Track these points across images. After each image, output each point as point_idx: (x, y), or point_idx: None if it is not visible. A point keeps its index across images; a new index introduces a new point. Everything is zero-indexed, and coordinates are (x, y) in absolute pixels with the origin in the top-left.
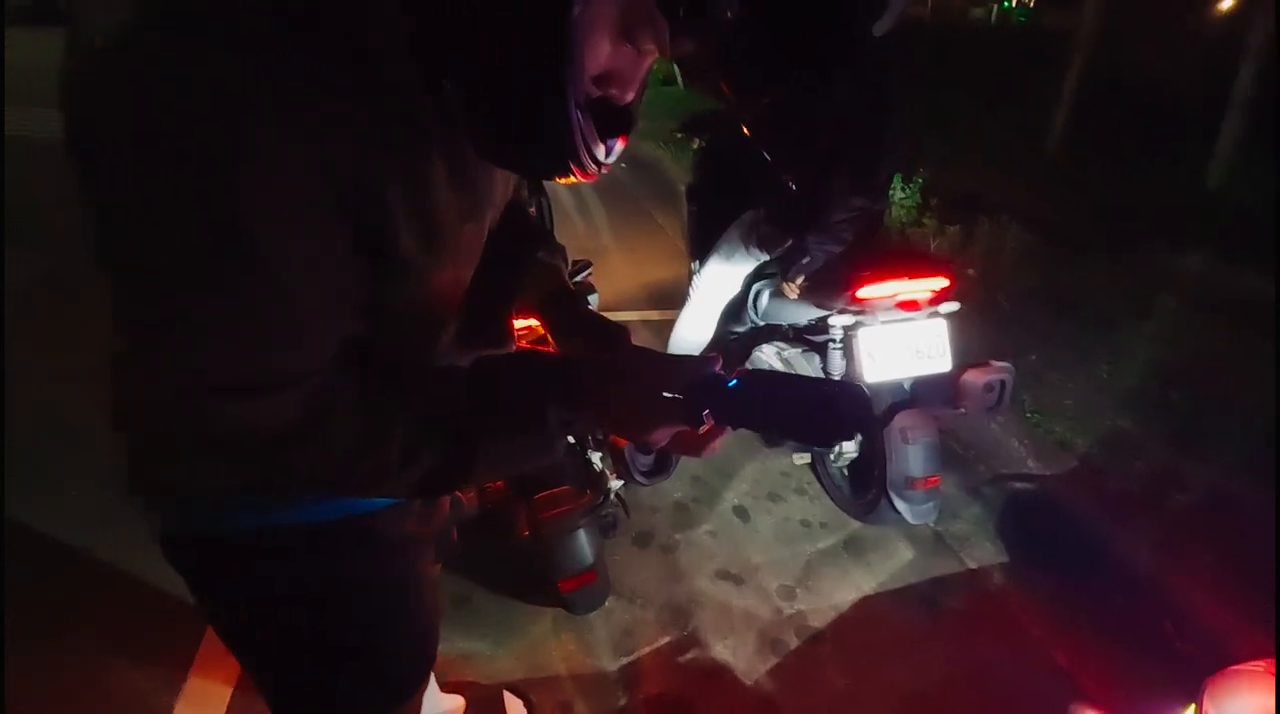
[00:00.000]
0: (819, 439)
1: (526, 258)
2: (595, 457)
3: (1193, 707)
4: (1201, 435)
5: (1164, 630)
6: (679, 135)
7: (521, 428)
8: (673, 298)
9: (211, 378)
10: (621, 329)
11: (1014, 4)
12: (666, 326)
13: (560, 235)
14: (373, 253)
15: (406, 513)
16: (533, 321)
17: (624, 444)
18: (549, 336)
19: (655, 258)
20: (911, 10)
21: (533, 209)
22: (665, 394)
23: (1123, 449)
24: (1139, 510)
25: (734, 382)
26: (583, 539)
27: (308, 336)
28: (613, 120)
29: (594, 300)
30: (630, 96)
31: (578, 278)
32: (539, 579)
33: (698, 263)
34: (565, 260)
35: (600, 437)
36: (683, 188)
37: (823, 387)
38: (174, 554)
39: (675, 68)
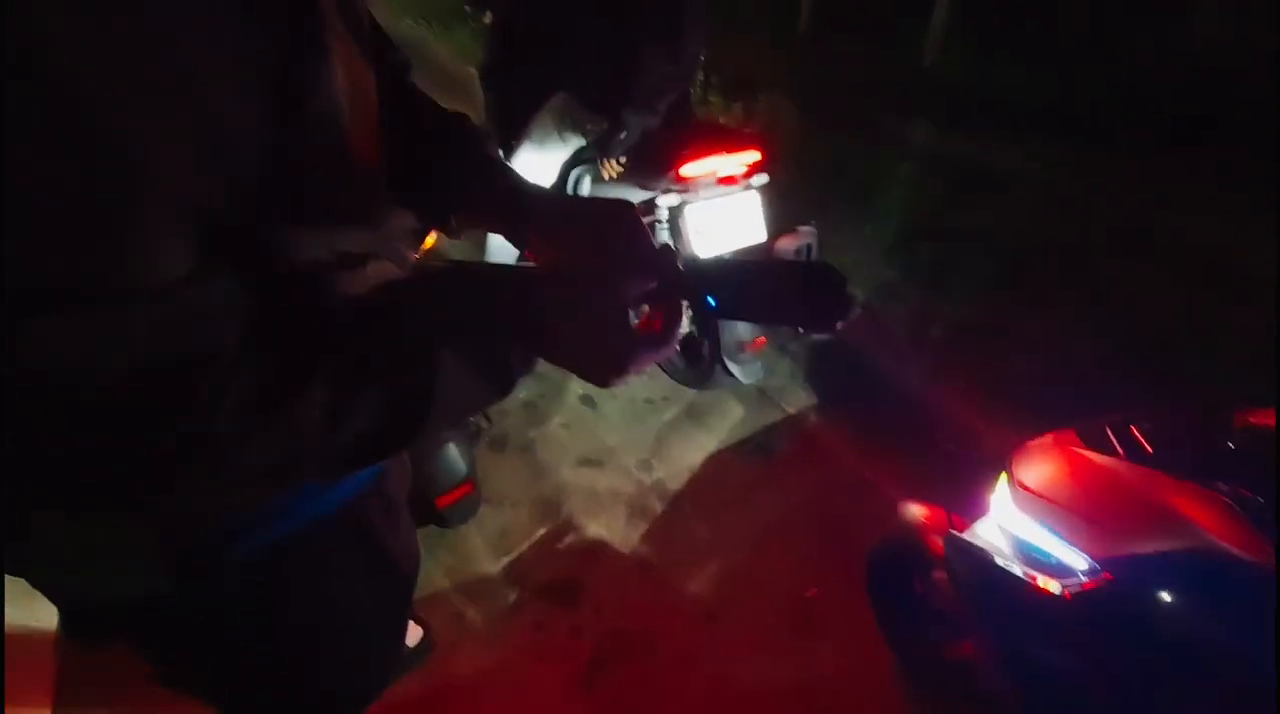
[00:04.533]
0: (814, 324)
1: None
2: None
3: (1004, 474)
4: (944, 275)
5: (933, 436)
6: (467, 9)
7: (483, 362)
8: None
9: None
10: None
11: None
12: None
13: None
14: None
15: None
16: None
17: None
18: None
19: None
20: None
21: None
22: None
23: (890, 294)
24: (907, 342)
25: (717, 268)
26: (454, 451)
27: (187, 190)
28: None
29: None
30: None
31: None
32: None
33: (503, 152)
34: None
35: None
36: (473, 70)
37: (798, 268)
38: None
39: None
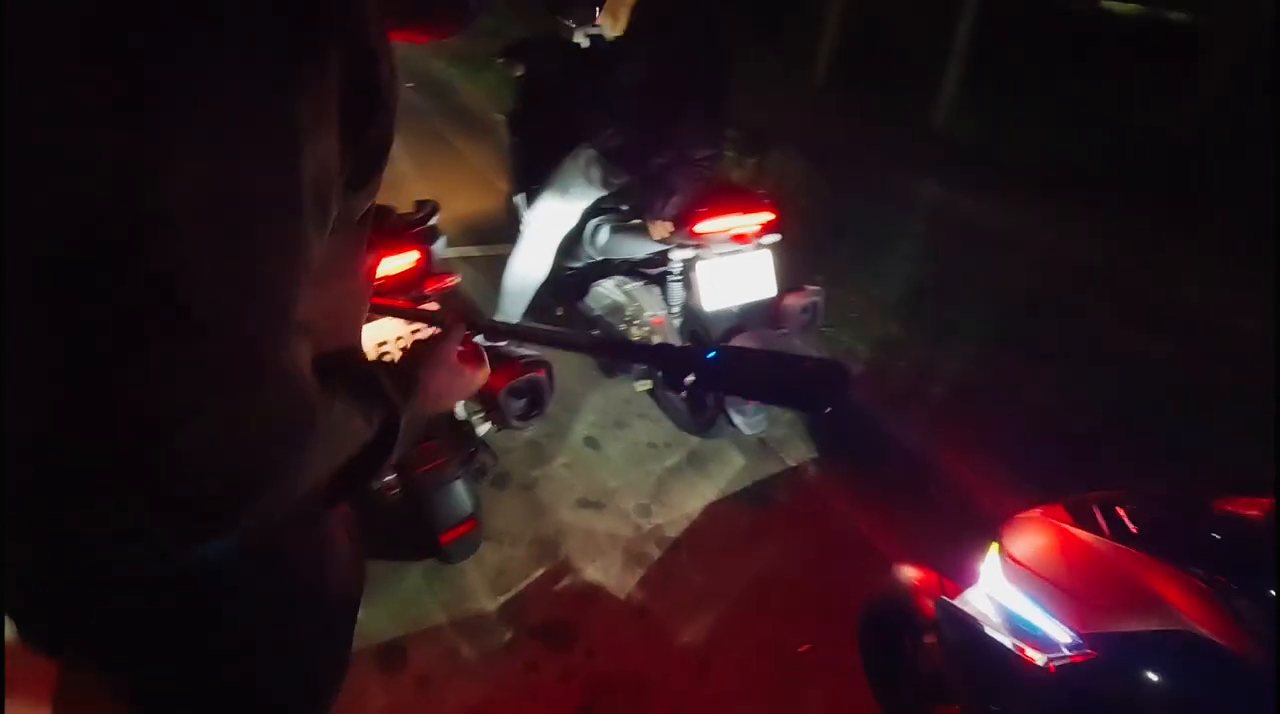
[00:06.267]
0: (806, 407)
1: None
2: (459, 407)
3: (994, 545)
4: (947, 334)
5: (930, 494)
6: (500, 61)
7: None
8: (491, 233)
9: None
10: None
11: None
12: (489, 263)
13: None
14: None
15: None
16: None
17: (498, 390)
18: None
19: (462, 189)
20: None
21: None
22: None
23: (893, 351)
24: (908, 400)
25: (712, 354)
26: (460, 489)
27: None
28: None
29: (443, 245)
30: None
31: (430, 223)
32: (402, 537)
33: (524, 197)
34: None
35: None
36: (500, 115)
37: (804, 361)
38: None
39: None
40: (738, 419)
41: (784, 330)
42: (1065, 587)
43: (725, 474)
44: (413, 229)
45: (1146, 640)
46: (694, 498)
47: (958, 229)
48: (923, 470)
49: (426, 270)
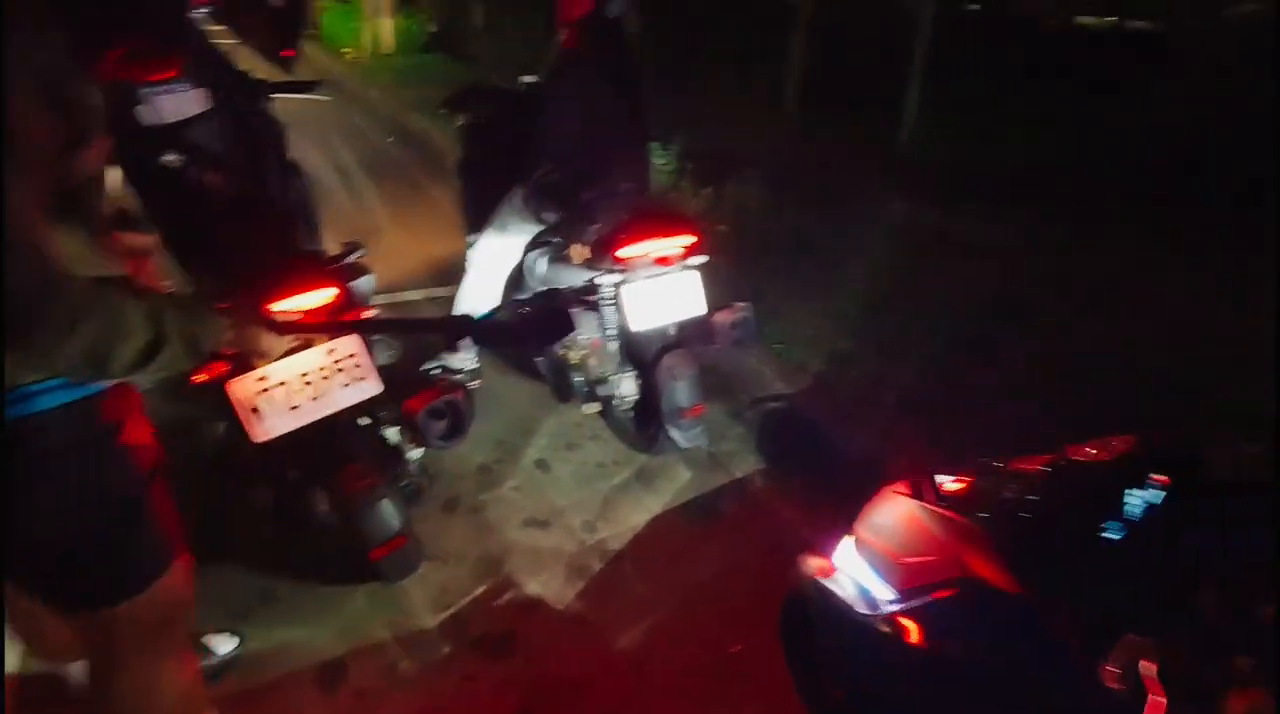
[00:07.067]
0: (540, 344)
1: None
2: (390, 431)
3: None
4: (900, 346)
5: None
6: (442, 111)
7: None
8: (460, 273)
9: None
10: None
11: None
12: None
13: (329, 216)
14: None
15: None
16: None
17: (417, 412)
18: None
19: (435, 233)
20: None
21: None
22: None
23: (845, 364)
24: (858, 409)
25: (486, 316)
26: (388, 506)
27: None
28: None
29: (369, 282)
30: None
31: (349, 260)
32: (347, 560)
33: (471, 236)
34: None
35: (392, 414)
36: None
37: (537, 312)
38: None
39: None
40: (674, 433)
41: (716, 346)
42: (892, 552)
43: (671, 489)
44: (331, 267)
45: (939, 589)
46: (639, 512)
47: (917, 242)
48: (867, 475)
49: (344, 306)
